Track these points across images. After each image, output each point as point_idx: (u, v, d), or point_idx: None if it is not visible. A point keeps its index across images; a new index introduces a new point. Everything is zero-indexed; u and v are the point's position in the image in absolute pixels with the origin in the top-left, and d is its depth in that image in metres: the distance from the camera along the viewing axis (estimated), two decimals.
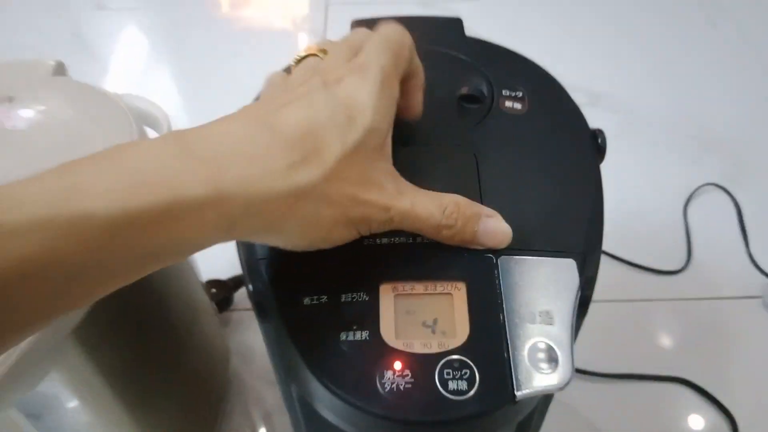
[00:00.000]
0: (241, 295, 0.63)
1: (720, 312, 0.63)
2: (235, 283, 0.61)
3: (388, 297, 0.28)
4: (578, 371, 0.57)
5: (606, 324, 0.61)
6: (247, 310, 0.63)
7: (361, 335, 0.27)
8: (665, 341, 0.61)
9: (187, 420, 0.50)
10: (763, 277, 0.65)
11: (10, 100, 0.40)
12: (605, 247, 0.73)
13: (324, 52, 0.29)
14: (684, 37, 0.99)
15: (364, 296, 0.28)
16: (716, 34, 0.99)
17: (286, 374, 0.33)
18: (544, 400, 0.36)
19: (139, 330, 0.42)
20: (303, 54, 0.30)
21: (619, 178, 0.75)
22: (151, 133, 0.41)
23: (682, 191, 0.73)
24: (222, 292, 0.60)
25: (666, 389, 0.57)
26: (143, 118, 0.42)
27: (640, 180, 0.75)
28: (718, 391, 0.56)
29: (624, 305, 0.63)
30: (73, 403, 0.39)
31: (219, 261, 0.58)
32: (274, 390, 0.57)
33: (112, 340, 0.38)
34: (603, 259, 0.68)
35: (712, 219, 0.71)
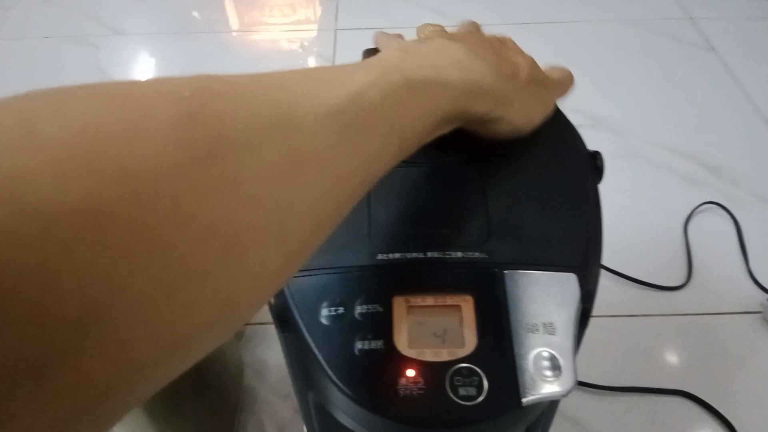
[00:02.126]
0: None
1: (721, 327, 0.64)
2: None
3: (401, 308, 0.30)
4: (582, 384, 0.58)
5: (609, 338, 0.62)
6: (261, 324, 0.65)
7: (376, 344, 0.29)
8: (667, 356, 0.62)
9: (204, 431, 0.52)
10: (763, 293, 0.66)
11: None
12: (608, 263, 0.75)
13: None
14: (683, 60, 1.02)
15: (379, 308, 0.30)
16: (715, 57, 1.02)
17: (304, 382, 0.35)
18: (549, 408, 0.38)
19: None
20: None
21: (620, 196, 0.78)
22: None
23: (682, 209, 0.75)
24: None
25: (668, 402, 0.58)
26: None
27: (642, 198, 0.77)
28: (719, 404, 0.57)
29: (627, 320, 0.65)
30: None
31: None
32: (288, 403, 0.59)
33: None
34: (606, 275, 0.70)
35: (713, 236, 0.73)
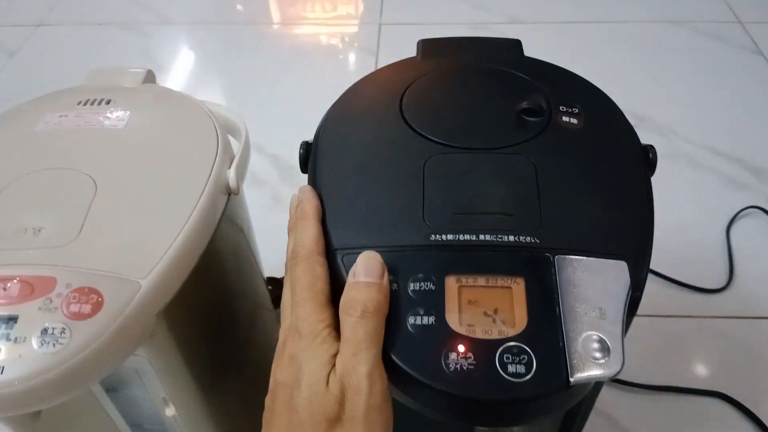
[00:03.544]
0: None
1: (760, 331, 0.63)
2: None
3: (452, 288, 0.31)
4: (617, 381, 0.58)
5: (647, 338, 0.62)
6: None
7: (428, 320, 0.30)
8: (705, 357, 0.62)
9: (246, 406, 0.53)
10: None
11: (108, 102, 0.45)
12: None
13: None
14: (730, 62, 1.00)
15: (431, 286, 0.31)
16: (762, 60, 1.00)
17: None
18: (590, 396, 0.38)
19: (214, 313, 0.46)
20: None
21: (662, 197, 0.76)
22: (233, 142, 0.45)
23: (725, 213, 0.75)
24: (278, 289, 0.64)
25: (705, 403, 0.58)
26: (225, 126, 0.46)
27: (684, 200, 0.77)
28: (756, 407, 0.57)
29: (665, 320, 0.64)
30: (150, 379, 0.42)
31: (276, 259, 0.62)
32: None
33: (193, 322, 0.42)
34: None
35: (756, 241, 0.72)
